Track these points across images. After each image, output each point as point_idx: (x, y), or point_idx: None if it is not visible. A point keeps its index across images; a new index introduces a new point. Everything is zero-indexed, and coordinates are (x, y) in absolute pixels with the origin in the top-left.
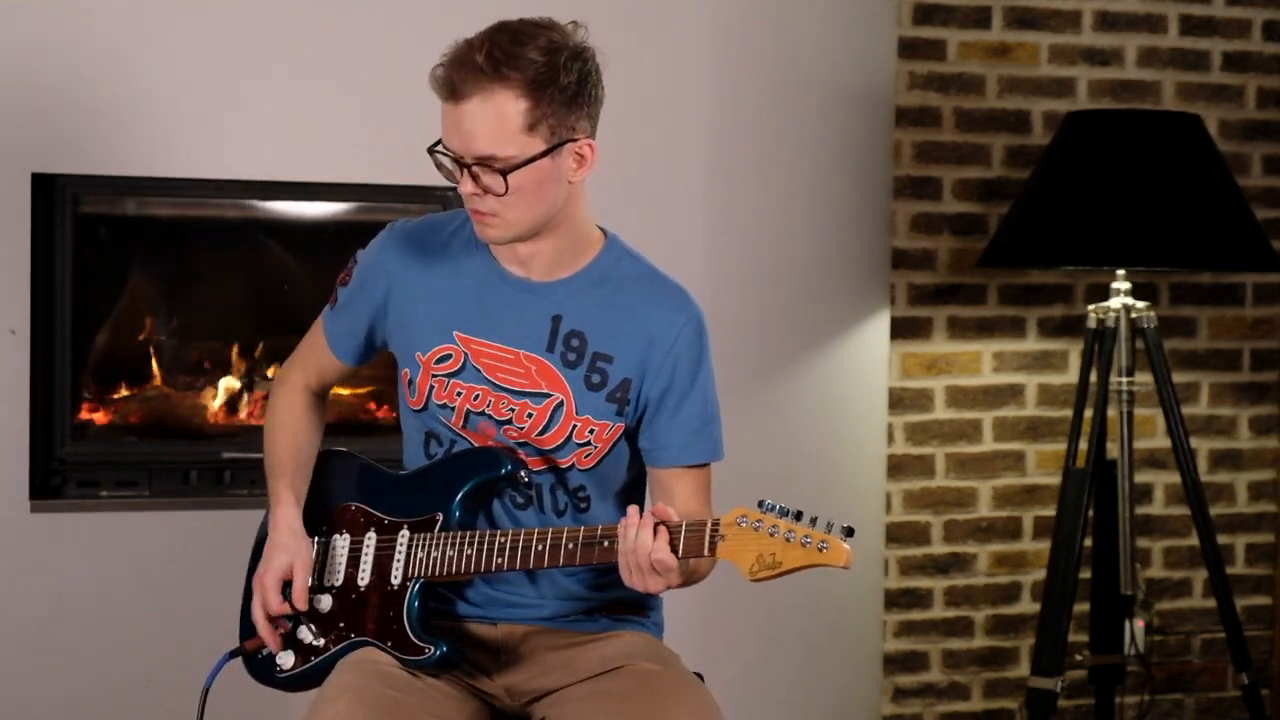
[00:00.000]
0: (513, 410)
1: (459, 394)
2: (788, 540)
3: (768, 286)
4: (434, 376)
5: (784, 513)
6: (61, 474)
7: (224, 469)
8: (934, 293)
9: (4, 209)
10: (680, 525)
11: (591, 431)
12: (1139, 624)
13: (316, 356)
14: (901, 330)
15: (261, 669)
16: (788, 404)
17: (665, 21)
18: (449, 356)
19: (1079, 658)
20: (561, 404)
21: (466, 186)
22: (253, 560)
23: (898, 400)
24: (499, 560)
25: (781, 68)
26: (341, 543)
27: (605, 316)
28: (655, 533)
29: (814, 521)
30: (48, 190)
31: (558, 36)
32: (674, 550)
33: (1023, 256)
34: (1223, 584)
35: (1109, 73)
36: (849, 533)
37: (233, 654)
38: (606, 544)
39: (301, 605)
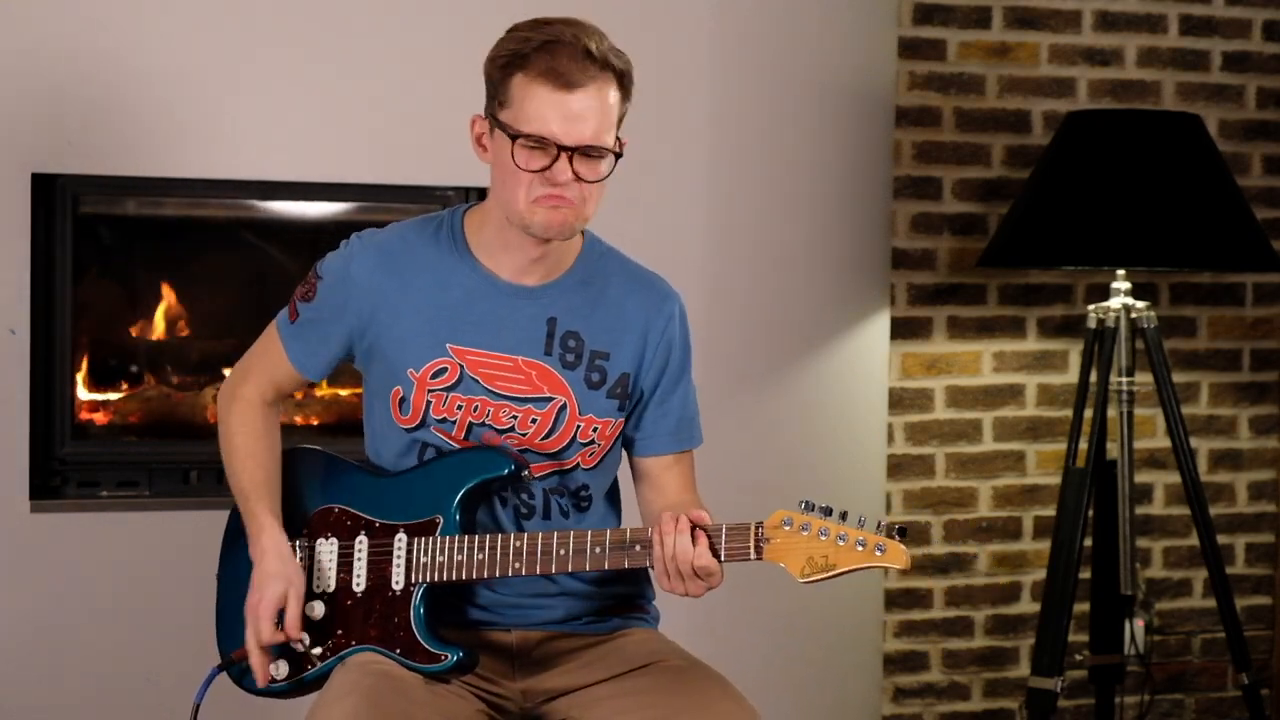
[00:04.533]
0: (514, 418)
1: (459, 407)
2: (840, 542)
3: (768, 286)
4: (430, 392)
5: (827, 513)
6: (61, 474)
7: (224, 469)
8: (934, 293)
9: (4, 209)
10: (720, 529)
11: (595, 430)
12: (1139, 624)
13: (271, 368)
14: (901, 330)
15: (252, 679)
16: (788, 404)
17: (665, 21)
18: (444, 370)
19: (1079, 658)
20: (565, 406)
21: (564, 175)
22: (223, 565)
23: (898, 400)
24: (517, 565)
25: (781, 68)
26: (328, 548)
27: (598, 314)
28: (694, 538)
29: (862, 522)
30: (48, 190)
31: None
32: (714, 555)
33: (1023, 256)
34: (1223, 584)
35: (1109, 73)
36: (902, 533)
37: (221, 667)
38: (638, 549)
39: (296, 635)
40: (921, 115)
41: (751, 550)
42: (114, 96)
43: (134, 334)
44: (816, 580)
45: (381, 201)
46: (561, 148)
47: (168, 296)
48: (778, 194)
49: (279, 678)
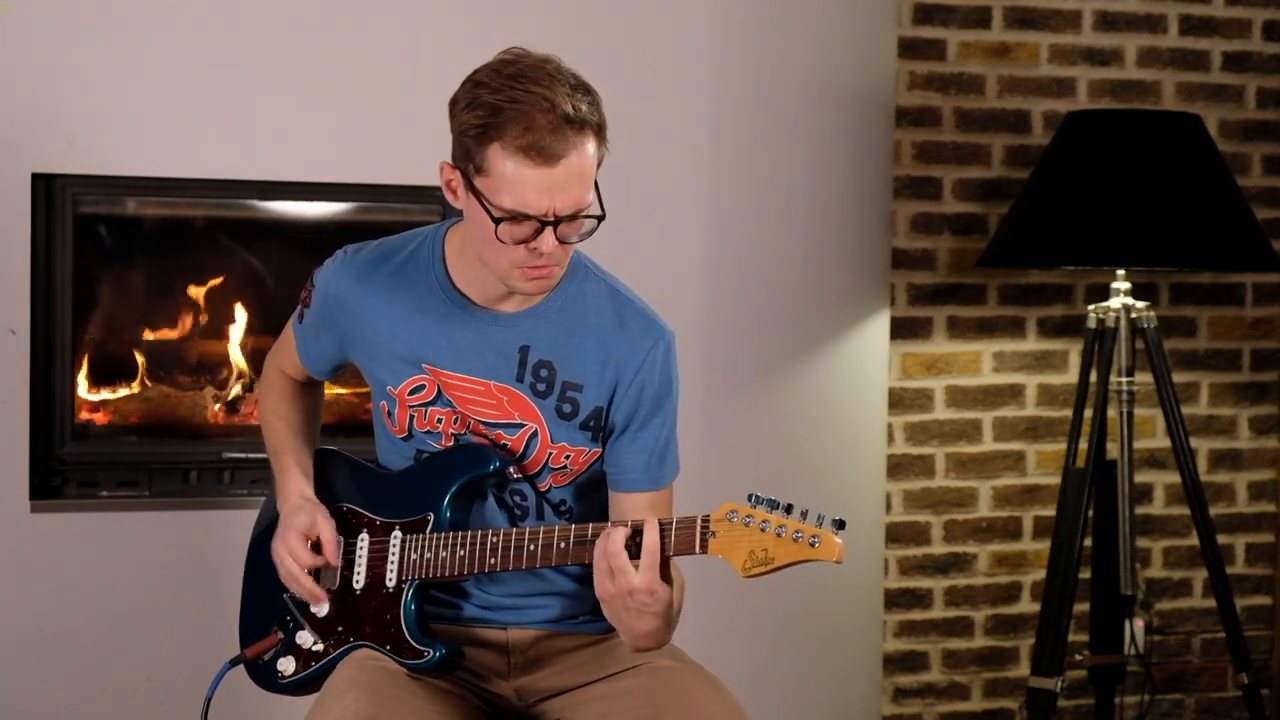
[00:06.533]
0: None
1: (439, 420)
2: (779, 536)
3: (768, 286)
4: (411, 407)
5: (774, 506)
6: (61, 474)
7: (224, 469)
8: (934, 293)
9: (4, 209)
10: (670, 523)
11: (568, 456)
12: (1139, 624)
13: (292, 356)
14: (901, 330)
15: (263, 675)
16: (788, 404)
17: (665, 22)
18: (422, 388)
19: (1079, 658)
20: (536, 433)
21: (549, 245)
22: (249, 563)
23: (898, 400)
24: (493, 560)
25: (781, 68)
26: None
27: (572, 344)
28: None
29: (805, 515)
30: (48, 190)
31: (566, 67)
32: (664, 549)
33: (1023, 256)
34: (1223, 584)
35: (1109, 73)
36: (840, 525)
37: (234, 662)
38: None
39: (335, 559)
40: (921, 115)
41: (696, 544)
42: (114, 96)
43: (134, 334)
44: (758, 574)
45: (382, 201)
46: (545, 222)
47: (168, 296)
48: (778, 194)
49: (287, 674)
